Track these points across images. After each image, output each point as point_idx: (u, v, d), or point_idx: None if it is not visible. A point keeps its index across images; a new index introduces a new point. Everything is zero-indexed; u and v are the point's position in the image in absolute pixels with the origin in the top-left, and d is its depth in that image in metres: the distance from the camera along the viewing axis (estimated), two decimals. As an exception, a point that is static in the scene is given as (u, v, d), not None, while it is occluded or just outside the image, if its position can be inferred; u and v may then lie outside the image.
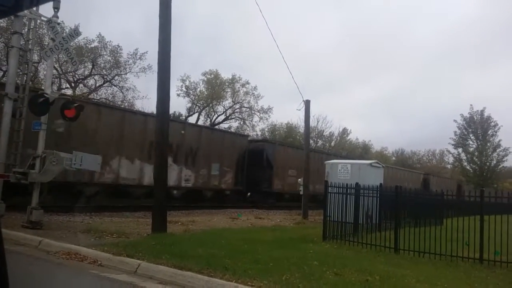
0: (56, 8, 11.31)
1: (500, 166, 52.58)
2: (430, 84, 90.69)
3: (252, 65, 73.84)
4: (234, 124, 46.74)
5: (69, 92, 34.34)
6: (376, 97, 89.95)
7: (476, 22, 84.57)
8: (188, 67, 72.73)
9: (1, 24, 26.44)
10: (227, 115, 46.33)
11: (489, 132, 51.34)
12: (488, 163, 51.73)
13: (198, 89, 44.90)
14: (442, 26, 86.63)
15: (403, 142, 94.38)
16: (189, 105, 44.94)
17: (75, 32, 12.65)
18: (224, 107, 46.11)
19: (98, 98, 35.73)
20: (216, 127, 41.95)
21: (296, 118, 58.42)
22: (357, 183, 12.87)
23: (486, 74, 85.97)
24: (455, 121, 52.29)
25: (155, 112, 12.60)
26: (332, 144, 56.13)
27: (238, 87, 45.61)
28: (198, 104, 45.19)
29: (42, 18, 11.89)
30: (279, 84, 75.00)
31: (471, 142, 52.65)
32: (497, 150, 51.41)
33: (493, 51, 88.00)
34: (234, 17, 74.40)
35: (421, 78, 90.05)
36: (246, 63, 73.02)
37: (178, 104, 53.98)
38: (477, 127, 51.60)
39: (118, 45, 34.68)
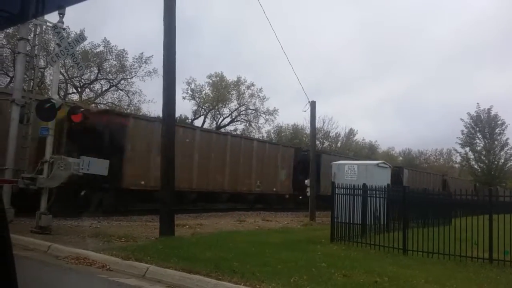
0: (62, 14, 11.36)
1: (508, 165, 52.28)
2: (443, 83, 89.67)
3: (264, 67, 73.95)
4: (240, 127, 46.88)
5: (75, 97, 34.58)
6: (388, 97, 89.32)
7: (492, 20, 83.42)
8: (199, 68, 72.83)
9: (8, 30, 26.63)
10: (233, 117, 46.45)
11: (496, 131, 51.07)
12: (496, 162, 51.43)
13: (204, 91, 45.05)
14: (458, 24, 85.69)
15: (414, 142, 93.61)
16: (195, 107, 45.12)
17: (81, 37, 12.74)
18: (229, 109, 46.25)
19: (105, 102, 35.94)
20: (221, 129, 42.01)
21: (302, 119, 58.48)
22: (364, 184, 12.82)
23: (501, 73, 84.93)
24: (462, 120, 52.11)
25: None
26: (339, 145, 56.03)
27: (244, 89, 45.72)
28: (203, 107, 45.29)
29: (48, 24, 11.97)
30: (290, 85, 74.92)
31: (478, 141, 52.43)
32: (505, 149, 51.18)
33: (509, 50, 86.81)
34: (247, 18, 74.45)
35: (434, 77, 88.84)
36: (257, 65, 72.97)
37: (184, 107, 54.09)
38: (484, 126, 51.30)
39: (123, 49, 34.89)
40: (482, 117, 51.50)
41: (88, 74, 34.64)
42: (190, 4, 67.85)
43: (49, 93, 12.53)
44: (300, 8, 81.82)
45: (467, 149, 52.84)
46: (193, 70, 76.80)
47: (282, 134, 51.56)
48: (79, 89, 35.63)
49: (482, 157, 51.77)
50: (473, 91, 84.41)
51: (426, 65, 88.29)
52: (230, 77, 45.81)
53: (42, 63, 21.99)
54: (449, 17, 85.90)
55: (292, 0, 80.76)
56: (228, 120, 46.39)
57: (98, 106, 33.28)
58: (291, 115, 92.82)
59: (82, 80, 35.26)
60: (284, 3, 73.86)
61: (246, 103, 46.14)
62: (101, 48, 33.96)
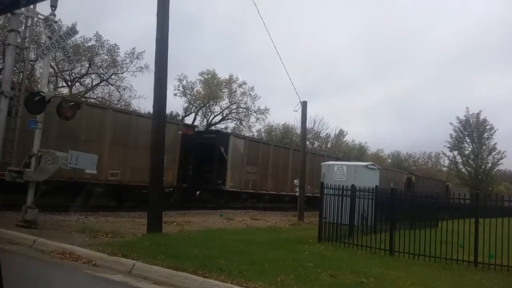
0: (53, 6, 11.26)
1: (495, 169, 52.82)
2: (443, 86, 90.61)
3: (262, 66, 74.27)
4: (230, 125, 46.82)
5: (65, 90, 34.27)
6: (386, 98, 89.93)
7: (494, 23, 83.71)
8: (193, 66, 72.54)
9: (-2, 22, 26.31)
10: (224, 115, 46.38)
11: (484, 135, 51.54)
12: (483, 166, 51.91)
13: (195, 89, 44.91)
14: (460, 27, 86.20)
15: (410, 144, 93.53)
16: (186, 105, 44.94)
17: (72, 31, 12.62)
18: (221, 107, 46.16)
19: (95, 97, 35.68)
20: (211, 127, 41.96)
21: (293, 119, 58.55)
22: (353, 185, 12.87)
23: (501, 76, 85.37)
24: (451, 123, 52.58)
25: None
26: (329, 145, 56.23)
27: (235, 88, 45.68)
28: (195, 104, 45.15)
29: (39, 16, 11.84)
30: (287, 84, 75.49)
31: (466, 145, 52.87)
32: (493, 153, 51.65)
33: (509, 53, 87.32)
34: (246, 17, 74.48)
35: (434, 79, 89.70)
36: (255, 64, 73.08)
37: (175, 104, 53.90)
38: (473, 130, 51.78)
39: (115, 44, 34.62)
40: (471, 121, 51.98)
41: (79, 68, 34.33)
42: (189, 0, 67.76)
43: (39, 86, 12.40)
44: (303, 8, 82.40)
45: (455, 152, 53.33)
46: (188, 67, 76.85)
47: (273, 133, 51.61)
48: (69, 83, 35.31)
49: (470, 161, 52.23)
50: (473, 94, 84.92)
51: (426, 67, 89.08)
52: (225, 75, 45.86)
53: (32, 55, 21.74)
54: (450, 20, 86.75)
55: (295, 1, 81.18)
56: (219, 118, 46.36)
57: (88, 101, 33.07)
58: (284, 114, 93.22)
59: (73, 74, 34.95)
60: (287, 3, 74.19)
61: (237, 101, 46.14)
62: (92, 42, 33.69)
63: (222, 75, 45.71)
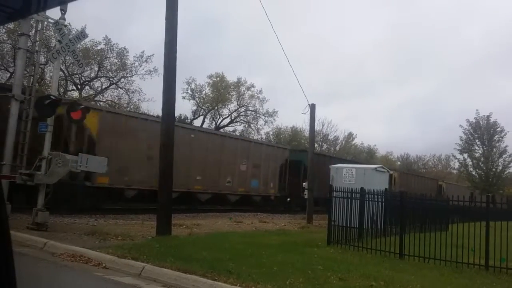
0: (63, 10, 11.37)
1: (506, 172, 52.22)
2: (464, 89, 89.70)
3: (279, 69, 74.49)
4: (239, 128, 46.89)
5: (75, 94, 34.55)
6: (406, 101, 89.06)
7: None
8: (202, 69, 73.01)
9: (9, 26, 26.59)
10: (232, 118, 46.45)
11: (495, 138, 51.02)
12: (494, 169, 51.37)
13: (204, 91, 45.02)
14: (486, 28, 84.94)
15: (428, 147, 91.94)
16: (195, 107, 45.09)
17: (82, 35, 12.72)
18: (229, 110, 46.25)
19: (104, 100, 35.90)
20: (220, 130, 41.99)
21: (301, 121, 58.66)
22: (362, 188, 12.81)
23: None
24: (461, 126, 52.06)
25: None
26: (337, 148, 56.10)
27: (244, 90, 45.72)
28: (203, 107, 45.26)
29: (49, 20, 11.97)
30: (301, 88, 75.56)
31: (477, 148, 52.37)
32: (503, 156, 51.09)
33: None
34: (258, 21, 74.63)
35: (456, 82, 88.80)
36: (272, 67, 73.19)
37: (184, 107, 54.09)
38: (483, 133, 51.30)
39: (124, 48, 34.84)
40: (481, 123, 51.50)
41: (88, 71, 34.61)
42: (206, 3, 68.01)
43: (49, 89, 12.49)
44: (327, 10, 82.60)
45: (466, 155, 52.81)
46: (200, 70, 77.16)
47: (281, 136, 51.61)
48: (79, 86, 35.59)
49: (480, 163, 51.73)
50: (494, 97, 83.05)
51: (448, 70, 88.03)
52: (234, 78, 45.90)
53: (42, 59, 21.94)
54: (475, 22, 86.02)
55: (319, 3, 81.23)
56: (227, 120, 46.46)
57: (98, 104, 33.27)
58: (298, 117, 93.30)
59: (82, 78, 35.24)
60: (311, 6, 74.44)
61: (245, 104, 46.20)
62: (102, 46, 33.95)
63: (236, 78, 45.86)
